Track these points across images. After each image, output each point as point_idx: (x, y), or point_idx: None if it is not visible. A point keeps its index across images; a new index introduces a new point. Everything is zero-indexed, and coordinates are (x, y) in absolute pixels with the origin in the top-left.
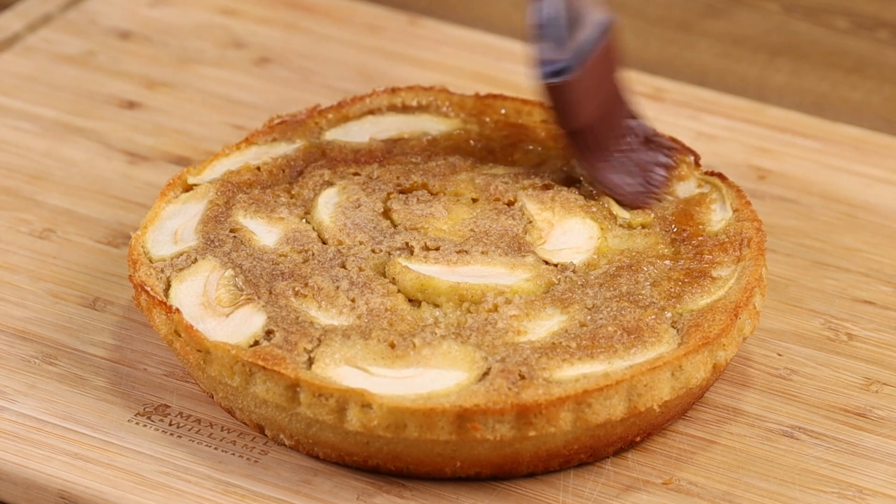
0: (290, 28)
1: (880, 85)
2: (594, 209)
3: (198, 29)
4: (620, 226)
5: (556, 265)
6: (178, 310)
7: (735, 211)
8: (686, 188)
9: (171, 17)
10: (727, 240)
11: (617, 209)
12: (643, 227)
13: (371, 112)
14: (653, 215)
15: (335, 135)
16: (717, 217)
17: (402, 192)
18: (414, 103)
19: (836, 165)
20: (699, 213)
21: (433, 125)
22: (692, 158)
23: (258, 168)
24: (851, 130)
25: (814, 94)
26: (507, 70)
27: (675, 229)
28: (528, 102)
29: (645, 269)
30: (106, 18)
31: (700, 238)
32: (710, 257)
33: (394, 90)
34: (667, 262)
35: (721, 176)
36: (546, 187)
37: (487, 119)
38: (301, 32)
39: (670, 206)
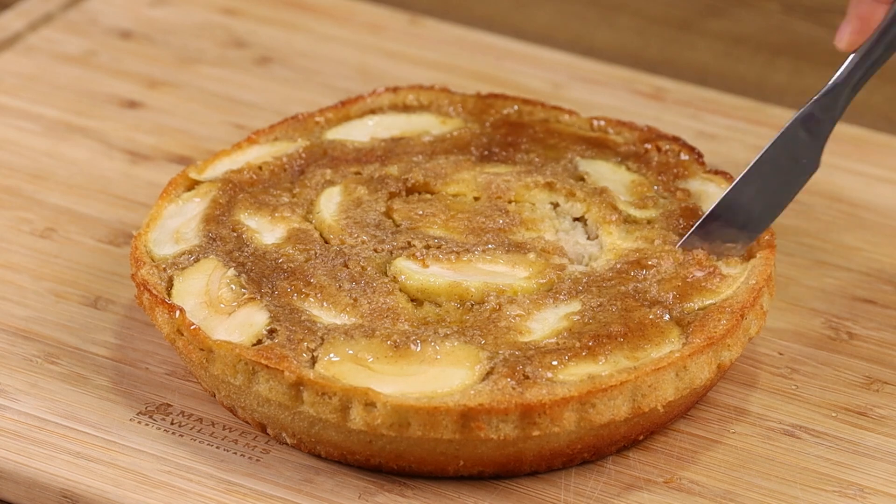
0: (291, 27)
1: (881, 84)
2: (595, 206)
3: (199, 28)
4: (626, 221)
5: (559, 264)
6: (181, 309)
7: None
8: (691, 186)
9: (172, 16)
10: None
11: (622, 205)
12: (648, 222)
13: (372, 111)
14: (658, 212)
15: (336, 134)
16: None
17: (403, 191)
18: (415, 103)
19: (837, 164)
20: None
21: (435, 124)
22: (696, 156)
23: (260, 167)
24: (852, 129)
25: (814, 94)
26: (508, 70)
27: (682, 225)
28: (530, 102)
29: (651, 266)
30: (107, 18)
31: None
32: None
33: (395, 89)
34: (675, 257)
35: (724, 174)
36: (548, 185)
37: (488, 118)
38: (302, 32)
39: (675, 201)
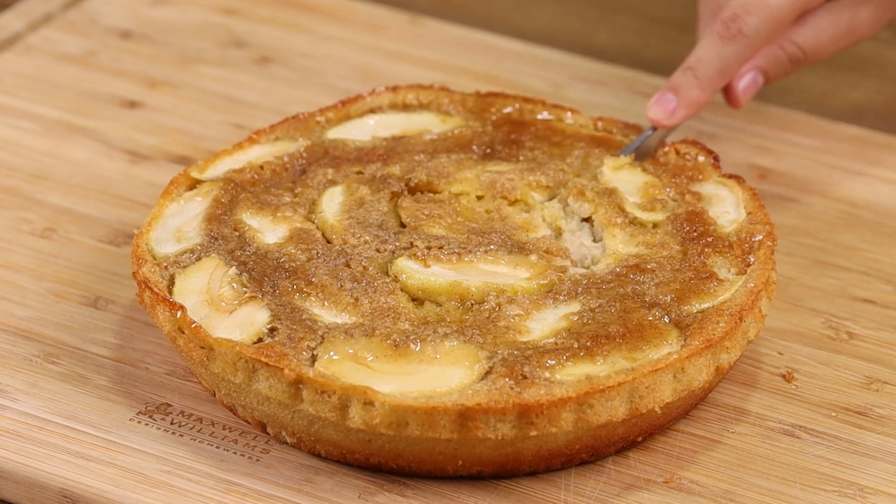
0: (291, 27)
1: (881, 84)
2: (602, 207)
3: (199, 28)
4: (632, 224)
5: (560, 265)
6: (181, 307)
7: (749, 213)
8: (704, 189)
9: (172, 16)
10: (737, 241)
11: (630, 206)
12: (654, 226)
13: (372, 111)
14: (664, 215)
15: (338, 133)
16: (730, 218)
17: (405, 190)
18: (415, 102)
19: (837, 165)
20: (711, 214)
21: (435, 123)
22: (711, 159)
23: (261, 167)
24: (852, 130)
25: (814, 93)
26: (508, 69)
27: (686, 228)
28: (530, 101)
29: (651, 268)
30: (107, 18)
31: (710, 238)
32: (718, 258)
33: (395, 89)
34: (674, 262)
35: (738, 178)
36: (551, 185)
37: (489, 117)
38: (302, 32)
39: (682, 205)
